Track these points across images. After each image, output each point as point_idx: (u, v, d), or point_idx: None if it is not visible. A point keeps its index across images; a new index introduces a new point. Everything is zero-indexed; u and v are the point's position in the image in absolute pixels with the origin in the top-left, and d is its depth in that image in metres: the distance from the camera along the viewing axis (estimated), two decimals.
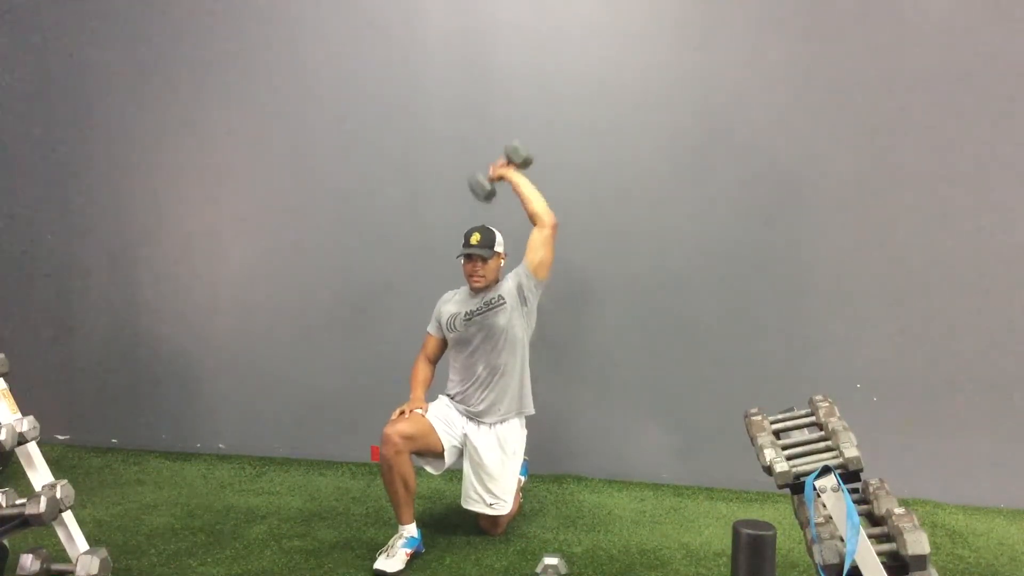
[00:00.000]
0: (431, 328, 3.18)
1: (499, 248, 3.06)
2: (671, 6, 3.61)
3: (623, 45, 3.64)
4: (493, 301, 3.01)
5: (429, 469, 3.03)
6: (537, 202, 3.04)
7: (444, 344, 3.16)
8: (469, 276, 3.04)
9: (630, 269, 3.67)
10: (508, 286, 3.04)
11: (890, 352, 3.47)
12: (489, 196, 3.13)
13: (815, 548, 1.82)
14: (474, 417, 3.03)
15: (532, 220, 3.05)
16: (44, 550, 2.42)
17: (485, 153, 3.72)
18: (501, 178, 3.12)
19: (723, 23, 3.54)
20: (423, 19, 3.80)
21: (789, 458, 2.03)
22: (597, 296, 3.72)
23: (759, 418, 2.26)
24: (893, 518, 1.80)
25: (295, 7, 3.94)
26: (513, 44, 3.72)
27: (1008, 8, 3.31)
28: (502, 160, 3.14)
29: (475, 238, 3.00)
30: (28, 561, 2.35)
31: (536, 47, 3.70)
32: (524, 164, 3.12)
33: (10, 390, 2.51)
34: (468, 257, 3.01)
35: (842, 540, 1.80)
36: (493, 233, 3.05)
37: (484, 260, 3.00)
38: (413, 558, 2.77)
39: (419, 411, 2.94)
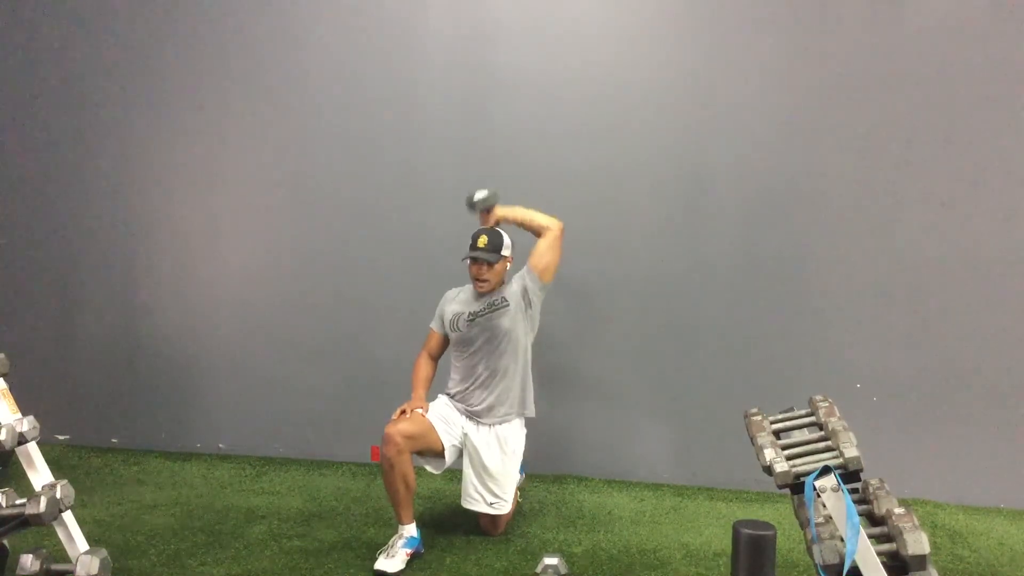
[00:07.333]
0: (434, 324, 3.18)
1: (506, 252, 3.05)
2: (672, 8, 3.61)
3: (623, 47, 3.64)
4: (497, 303, 3.00)
5: (429, 468, 3.03)
6: (536, 219, 3.06)
7: (447, 340, 3.15)
8: (475, 279, 3.03)
9: (630, 269, 3.67)
10: (512, 289, 3.04)
11: (890, 352, 3.47)
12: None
13: (815, 548, 1.82)
14: (473, 417, 3.03)
15: (538, 234, 3.07)
16: (44, 550, 2.42)
17: (485, 155, 3.74)
18: (499, 222, 3.11)
19: (724, 25, 3.54)
20: (423, 21, 3.80)
21: (789, 458, 2.03)
22: (597, 296, 3.72)
23: (759, 418, 2.26)
24: (893, 518, 1.80)
25: (295, 8, 3.94)
26: (513, 47, 3.72)
27: (1009, 8, 3.31)
28: (482, 215, 3.11)
29: (482, 241, 2.99)
30: (28, 561, 2.35)
31: (536, 50, 3.70)
32: (487, 209, 3.07)
33: (10, 390, 2.51)
34: (474, 260, 3.01)
35: (842, 540, 1.80)
36: (501, 236, 3.04)
37: (490, 264, 2.99)
38: (413, 558, 2.77)
39: (420, 411, 2.94)
